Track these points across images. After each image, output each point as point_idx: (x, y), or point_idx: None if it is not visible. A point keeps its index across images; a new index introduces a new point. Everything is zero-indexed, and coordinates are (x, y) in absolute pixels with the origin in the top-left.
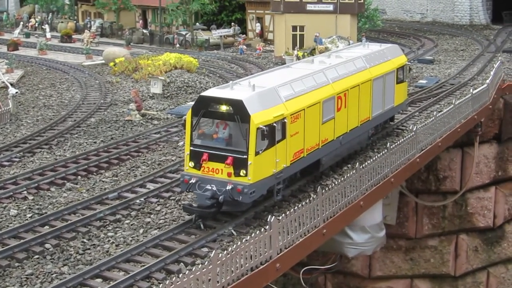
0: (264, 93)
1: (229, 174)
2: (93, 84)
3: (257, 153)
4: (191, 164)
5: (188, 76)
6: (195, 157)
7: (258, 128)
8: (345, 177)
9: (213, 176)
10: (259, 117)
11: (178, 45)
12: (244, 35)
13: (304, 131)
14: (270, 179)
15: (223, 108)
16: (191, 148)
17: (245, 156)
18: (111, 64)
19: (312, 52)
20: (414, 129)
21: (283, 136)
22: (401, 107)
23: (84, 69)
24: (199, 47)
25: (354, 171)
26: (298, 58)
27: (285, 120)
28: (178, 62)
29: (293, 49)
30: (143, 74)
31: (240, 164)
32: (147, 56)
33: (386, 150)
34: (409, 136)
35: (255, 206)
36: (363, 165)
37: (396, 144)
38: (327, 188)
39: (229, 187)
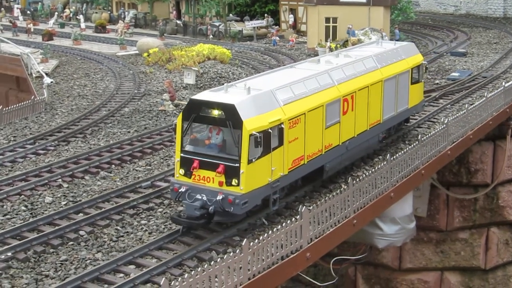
0: (259, 96)
1: (220, 183)
2: (127, 74)
3: (250, 161)
4: (181, 171)
5: (221, 67)
6: (186, 164)
7: (251, 135)
8: (376, 168)
9: (203, 185)
10: (252, 123)
11: (211, 36)
12: (277, 27)
13: (305, 136)
14: (265, 189)
15: (215, 112)
16: (182, 154)
17: (237, 165)
18: (145, 54)
19: (345, 44)
20: (446, 121)
21: (280, 143)
22: (417, 109)
23: (118, 60)
24: (232, 38)
25: (385, 163)
26: (330, 49)
27: (282, 126)
28: (211, 53)
29: (326, 40)
30: (177, 65)
31: (232, 173)
32: (181, 47)
33: (417, 142)
34: (440, 128)
35: (286, 196)
36: (394, 156)
37: (427, 136)
38: (358, 179)
39: (219, 197)
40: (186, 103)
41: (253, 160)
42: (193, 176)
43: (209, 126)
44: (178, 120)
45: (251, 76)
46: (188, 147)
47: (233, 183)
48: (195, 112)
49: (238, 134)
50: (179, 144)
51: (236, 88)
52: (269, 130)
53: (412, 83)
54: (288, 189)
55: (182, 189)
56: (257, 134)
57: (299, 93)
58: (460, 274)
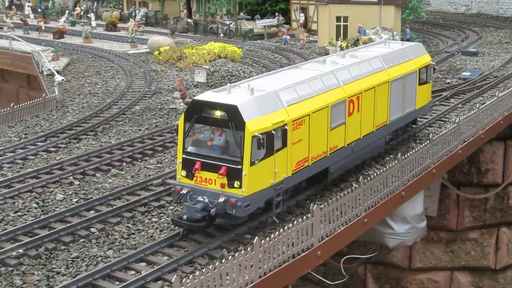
0: (263, 97)
1: (222, 185)
2: (138, 73)
3: (252, 163)
4: (183, 173)
5: (232, 66)
6: (188, 165)
7: (253, 136)
8: (387, 167)
9: (205, 187)
10: (255, 124)
11: (222, 35)
12: (288, 25)
13: (309, 138)
14: (268, 191)
15: (217, 113)
16: (184, 156)
17: (239, 166)
18: (156, 53)
19: (355, 43)
20: (457, 120)
21: (284, 144)
22: (424, 110)
23: (129, 58)
24: (243, 36)
25: (396, 162)
26: (341, 48)
27: (286, 127)
28: (222, 51)
29: (337, 39)
30: (188, 63)
31: (234, 175)
32: (192, 45)
33: (428, 141)
34: (452, 127)
35: (296, 195)
36: (405, 155)
37: (438, 135)
38: (369, 178)
39: (221, 199)
40: None
41: (256, 162)
42: (195, 178)
43: (211, 127)
44: (180, 121)
45: (260, 75)
46: (190, 148)
47: (235, 185)
48: (197, 113)
49: (241, 136)
50: (181, 145)
51: (239, 88)
52: (272, 132)
53: (419, 84)
54: (292, 191)
55: (184, 191)
56: (260, 135)
57: (304, 94)
58: (470, 274)
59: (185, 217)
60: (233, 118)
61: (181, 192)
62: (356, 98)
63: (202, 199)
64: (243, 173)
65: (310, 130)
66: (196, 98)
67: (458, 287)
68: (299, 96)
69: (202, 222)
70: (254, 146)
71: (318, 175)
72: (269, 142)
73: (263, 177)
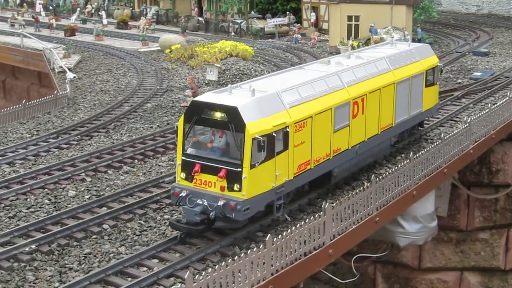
0: (264, 99)
1: (222, 188)
2: (149, 70)
3: (252, 166)
4: (183, 175)
5: (243, 64)
6: (187, 168)
7: (254, 139)
8: (399, 166)
9: (205, 190)
10: (256, 126)
11: (233, 33)
12: (299, 25)
13: (312, 140)
14: (268, 194)
15: (217, 115)
16: (183, 158)
17: (239, 169)
18: (167, 51)
19: (367, 42)
20: (469, 120)
21: (285, 147)
22: (431, 112)
23: (140, 56)
24: (254, 35)
25: (407, 161)
26: (352, 48)
27: (288, 129)
28: (233, 50)
29: (348, 39)
30: (199, 61)
31: (234, 178)
32: (203, 44)
33: (440, 141)
34: (463, 127)
35: (309, 192)
36: (417, 155)
37: (450, 135)
38: (380, 177)
39: (221, 202)
40: None
41: (256, 164)
42: (194, 180)
43: (212, 128)
44: (180, 122)
45: (265, 75)
46: (190, 150)
47: (235, 188)
48: (197, 114)
49: (241, 138)
50: (181, 147)
51: (240, 89)
52: (273, 134)
53: (426, 86)
54: (294, 194)
55: (183, 194)
56: (261, 138)
57: (306, 96)
58: (480, 274)
59: (184, 220)
60: (233, 120)
61: (180, 195)
62: (360, 100)
63: (201, 202)
64: (243, 176)
65: (313, 132)
66: (195, 99)
67: (468, 287)
68: (302, 97)
69: (200, 226)
70: (255, 149)
71: (321, 178)
72: (270, 145)
73: (264, 180)
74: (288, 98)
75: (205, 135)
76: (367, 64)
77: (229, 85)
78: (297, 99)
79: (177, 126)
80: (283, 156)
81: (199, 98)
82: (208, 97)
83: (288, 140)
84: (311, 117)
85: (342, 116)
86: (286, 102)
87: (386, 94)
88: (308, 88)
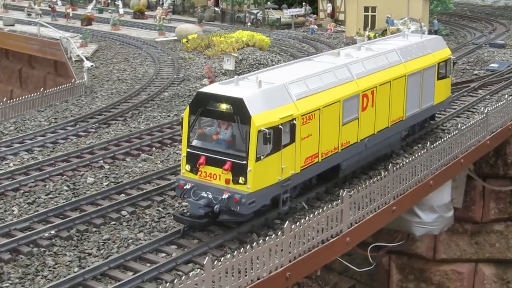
0: (271, 90)
1: (227, 181)
2: (166, 60)
3: (258, 159)
4: (188, 167)
5: (260, 54)
6: (192, 160)
7: (259, 131)
8: (416, 156)
9: (210, 182)
10: (261, 118)
11: (249, 24)
12: (315, 15)
13: (320, 133)
14: (274, 188)
15: (223, 107)
16: (188, 150)
17: (244, 162)
18: (184, 40)
19: (383, 33)
20: (486, 111)
21: (292, 140)
22: (443, 105)
23: (157, 45)
24: (270, 26)
25: (424, 151)
26: (369, 38)
27: (294, 122)
28: (250, 39)
29: (365, 29)
30: (216, 51)
31: (239, 171)
32: (220, 34)
33: (456, 131)
34: (480, 118)
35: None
36: (434, 145)
37: (467, 125)
38: (397, 166)
39: (225, 195)
40: None
41: (262, 157)
42: (199, 173)
43: (217, 120)
44: (185, 114)
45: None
46: (195, 142)
47: (240, 181)
48: (203, 106)
49: (246, 130)
50: (186, 139)
51: (247, 81)
52: (280, 126)
53: (438, 79)
54: (301, 188)
55: (188, 186)
56: (266, 130)
57: (314, 88)
58: (495, 266)
59: (188, 213)
60: (238, 112)
61: (185, 187)
62: (370, 93)
63: (205, 195)
64: (248, 169)
65: (321, 125)
66: (201, 90)
67: (482, 279)
68: (310, 89)
69: (204, 219)
70: (260, 141)
71: (329, 172)
72: (276, 137)
73: (269, 173)
74: (295, 90)
75: (210, 127)
76: (378, 56)
77: (236, 76)
78: (305, 91)
79: (182, 118)
80: (290, 149)
81: (205, 89)
82: (213, 88)
83: (295, 132)
84: (319, 109)
85: (351, 108)
86: (294, 94)
87: (396, 87)
88: (316, 80)
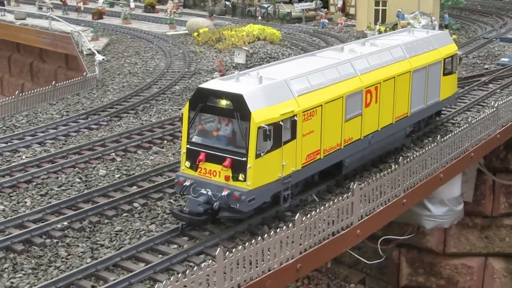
0: (271, 86)
1: (226, 178)
2: (177, 53)
3: (258, 156)
4: (187, 164)
5: (271, 48)
6: (192, 156)
7: (259, 127)
8: (426, 149)
9: (209, 179)
10: (262, 115)
11: (260, 18)
12: (326, 9)
13: (322, 129)
14: (274, 185)
15: (223, 103)
16: (188, 146)
17: (244, 159)
18: (195, 34)
19: (394, 27)
20: (496, 105)
21: (293, 136)
22: (449, 101)
23: (168, 39)
24: (281, 20)
25: (435, 144)
26: (379, 32)
27: (296, 118)
28: (261, 33)
29: (375, 24)
30: (227, 45)
31: (238, 167)
32: (230, 27)
33: (467, 125)
34: (490, 111)
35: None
36: (444, 138)
37: (477, 119)
38: (408, 159)
39: (225, 192)
40: None
41: (262, 154)
42: (199, 170)
43: (217, 117)
44: (185, 110)
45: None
46: (195, 139)
47: (240, 178)
48: (202, 102)
49: (246, 126)
50: (186, 135)
51: (248, 76)
52: (280, 123)
53: (444, 75)
54: (303, 185)
55: (187, 183)
56: (266, 126)
57: (316, 83)
58: (504, 260)
59: (187, 210)
60: (238, 108)
61: (184, 184)
62: (374, 88)
63: (205, 192)
64: (248, 166)
65: (323, 121)
66: (201, 86)
67: (492, 273)
68: (311, 85)
69: (203, 216)
70: (260, 138)
71: (332, 168)
72: (277, 134)
73: (270, 170)
74: (297, 86)
75: (210, 123)
76: (382, 51)
77: (237, 72)
78: (307, 87)
79: (182, 114)
80: (291, 145)
81: (205, 85)
82: (214, 84)
83: (296, 129)
84: (321, 105)
85: (354, 104)
86: (295, 90)
87: (401, 83)
88: (318, 76)
